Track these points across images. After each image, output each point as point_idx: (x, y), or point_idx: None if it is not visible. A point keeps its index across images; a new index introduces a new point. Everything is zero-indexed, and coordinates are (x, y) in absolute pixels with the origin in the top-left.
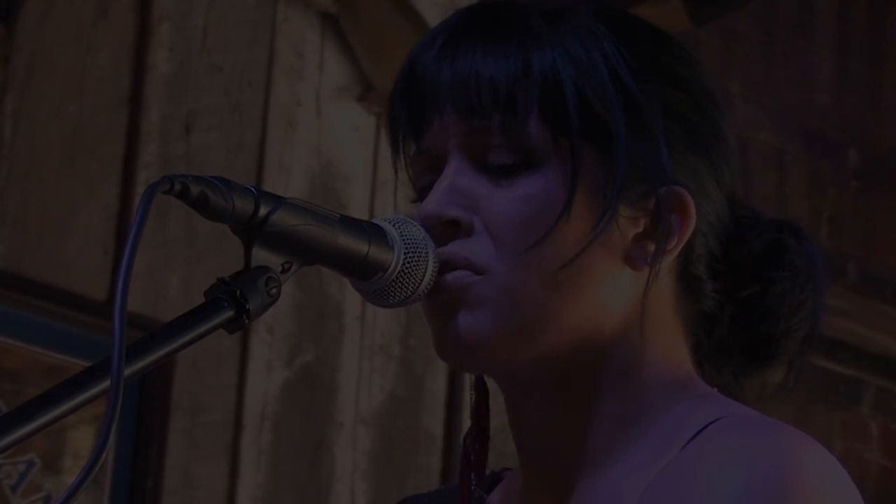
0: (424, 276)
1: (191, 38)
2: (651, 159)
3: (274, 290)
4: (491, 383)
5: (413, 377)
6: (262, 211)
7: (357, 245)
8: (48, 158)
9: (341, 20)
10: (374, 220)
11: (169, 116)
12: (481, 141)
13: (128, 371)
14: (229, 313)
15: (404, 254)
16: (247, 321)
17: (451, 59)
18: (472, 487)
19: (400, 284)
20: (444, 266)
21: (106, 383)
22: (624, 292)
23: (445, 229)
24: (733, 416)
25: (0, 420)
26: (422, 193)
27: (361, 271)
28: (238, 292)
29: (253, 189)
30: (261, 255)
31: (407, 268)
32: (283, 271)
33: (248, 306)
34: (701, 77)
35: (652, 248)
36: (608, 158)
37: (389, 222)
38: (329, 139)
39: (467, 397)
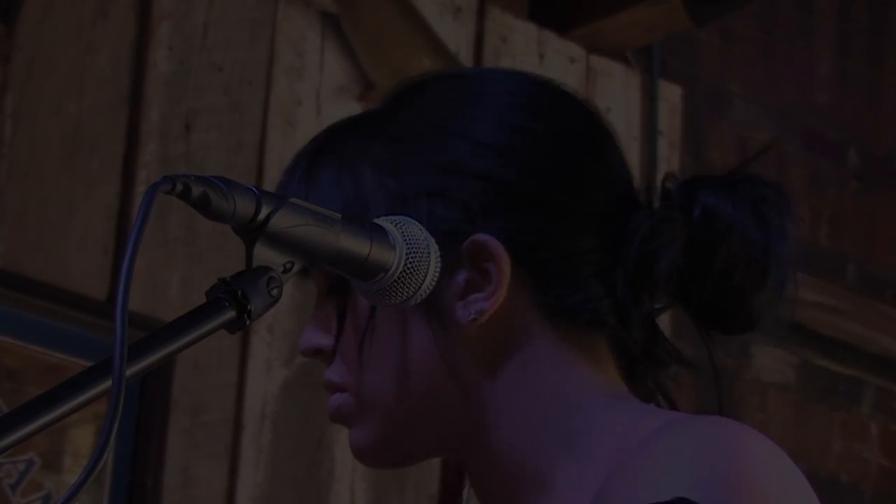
0: (426, 275)
1: (191, 37)
2: (441, 219)
3: (275, 291)
4: None
5: None
6: (264, 211)
7: (359, 245)
8: (48, 158)
9: (342, 19)
10: (376, 220)
11: (169, 116)
12: (315, 273)
13: (129, 371)
14: (231, 313)
15: (406, 254)
16: (248, 321)
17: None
18: None
19: (402, 284)
20: (326, 389)
21: (107, 383)
22: (470, 355)
23: (318, 357)
24: (670, 420)
25: (1, 420)
26: None
27: (363, 271)
28: (239, 292)
29: (254, 189)
30: (262, 255)
31: (409, 268)
32: (285, 271)
33: (249, 306)
34: (516, 122)
35: (473, 299)
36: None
37: (391, 222)
38: None
39: None
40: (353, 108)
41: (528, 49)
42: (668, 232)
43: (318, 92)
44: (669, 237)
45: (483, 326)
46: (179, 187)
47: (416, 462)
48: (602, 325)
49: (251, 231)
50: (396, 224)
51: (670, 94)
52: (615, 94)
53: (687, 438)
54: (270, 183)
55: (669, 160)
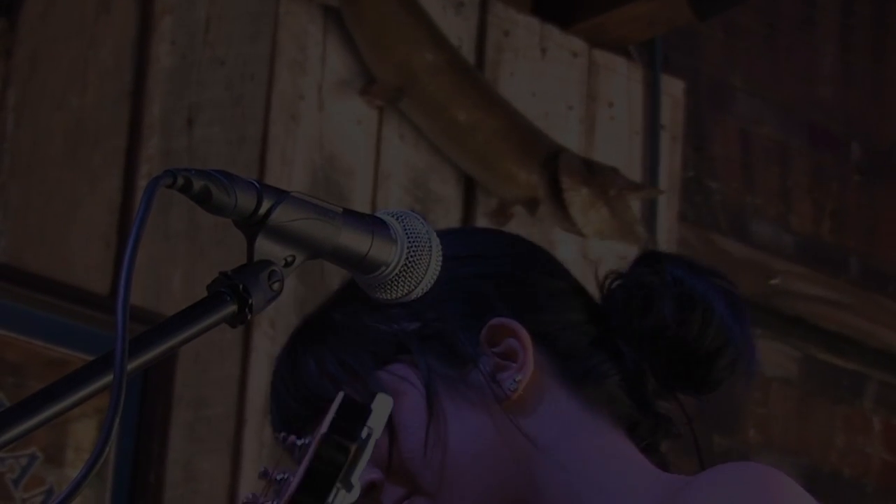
0: (427, 268)
1: (193, 31)
2: (451, 338)
3: (276, 284)
4: None
5: None
6: (265, 205)
7: (360, 239)
8: (50, 152)
9: (343, 13)
10: (377, 214)
11: (171, 110)
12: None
13: (131, 365)
14: (232, 307)
15: (407, 247)
16: (249, 315)
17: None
18: None
19: (403, 278)
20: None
21: (109, 377)
22: (511, 428)
23: (370, 495)
24: (691, 483)
25: (3, 414)
26: None
27: (365, 265)
28: (241, 286)
29: (256, 183)
30: (264, 249)
31: (410, 261)
32: (286, 265)
33: (250, 300)
34: (474, 252)
35: (510, 376)
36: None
37: (392, 216)
38: (331, 132)
39: None
40: (355, 102)
41: (530, 43)
42: (651, 286)
43: (321, 86)
44: (652, 291)
45: (520, 399)
46: (181, 181)
47: None
48: (611, 390)
49: (252, 225)
50: (397, 217)
51: (673, 89)
52: (617, 89)
53: (723, 484)
54: (272, 177)
55: (672, 154)
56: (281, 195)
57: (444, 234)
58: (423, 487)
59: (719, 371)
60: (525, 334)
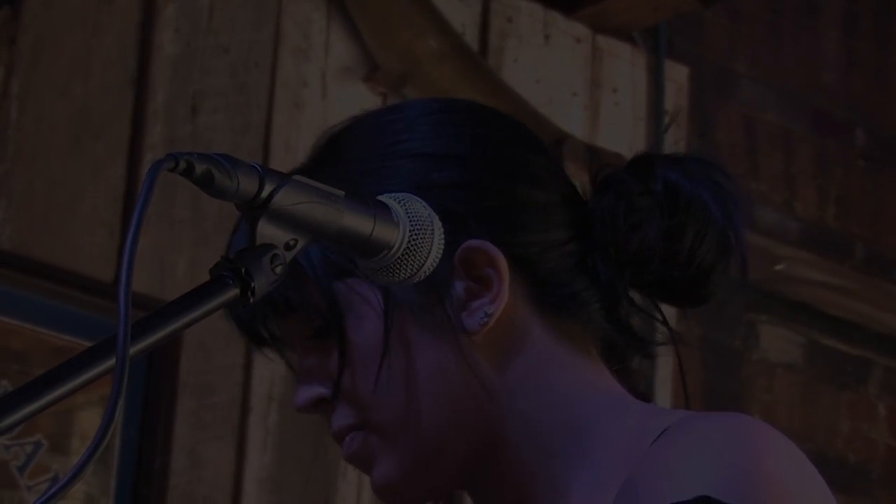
0: (430, 252)
1: (196, 19)
2: (421, 243)
3: (279, 268)
4: None
5: None
6: (267, 188)
7: (362, 222)
8: (54, 140)
9: (347, 1)
10: (379, 198)
11: (175, 97)
12: (289, 329)
13: (133, 349)
14: (234, 291)
15: (409, 231)
16: (252, 299)
17: None
18: None
19: (406, 261)
20: (338, 439)
21: (111, 361)
22: (479, 362)
23: (320, 408)
24: (682, 419)
25: (5, 399)
26: None
27: (367, 248)
28: (243, 270)
29: (258, 166)
30: (266, 233)
31: (412, 245)
32: (288, 249)
33: (252, 284)
34: (460, 125)
35: (476, 306)
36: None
37: (394, 199)
38: (335, 120)
39: None
40: (359, 89)
41: (533, 29)
42: (638, 205)
43: (324, 73)
44: (640, 210)
45: (489, 332)
46: (183, 165)
47: (437, 496)
48: (590, 316)
49: (254, 208)
50: (400, 201)
51: (677, 75)
52: (621, 75)
53: (705, 436)
54: (276, 164)
55: (675, 141)
56: (283, 179)
57: (420, 118)
58: (372, 423)
59: (710, 286)
60: (502, 261)
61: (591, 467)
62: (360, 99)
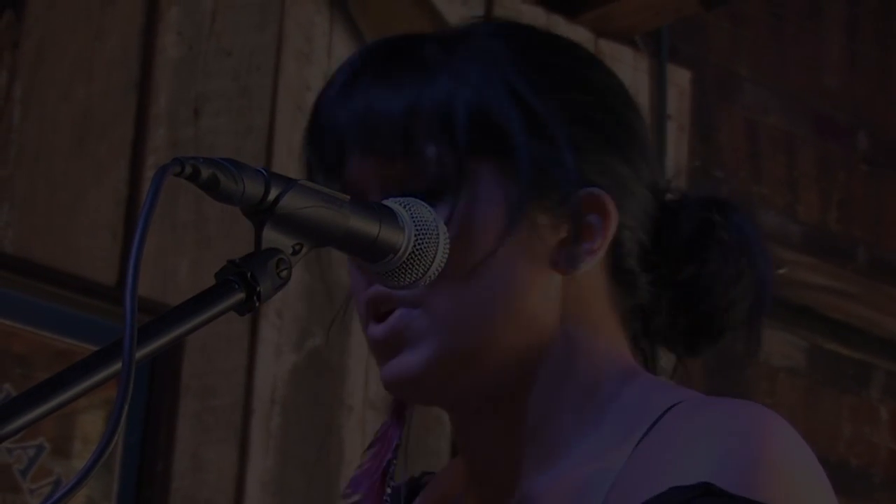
0: (435, 256)
1: (199, 22)
2: (559, 166)
3: (284, 273)
4: None
5: None
6: (273, 193)
7: (367, 227)
8: (57, 143)
9: (350, 3)
10: (384, 202)
11: (178, 100)
12: (391, 175)
13: (139, 353)
14: (240, 295)
15: (415, 234)
16: (257, 303)
17: (346, 99)
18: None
19: (411, 265)
20: (380, 303)
21: (116, 366)
22: (554, 298)
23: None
24: (690, 399)
25: (10, 403)
26: None
27: (372, 253)
28: (249, 274)
29: (263, 171)
30: (271, 238)
31: (418, 248)
32: (294, 253)
33: (258, 288)
34: (608, 77)
35: (577, 250)
36: (514, 172)
37: (399, 203)
38: None
39: None
40: None
41: None
42: (715, 239)
43: (327, 76)
44: (714, 245)
45: (572, 277)
46: (188, 169)
47: (444, 402)
48: (636, 298)
49: (260, 213)
50: (405, 205)
51: (679, 79)
52: (624, 79)
53: (711, 422)
54: (279, 167)
55: (678, 145)
56: (289, 183)
57: (587, 60)
58: (433, 305)
59: (719, 338)
60: (615, 221)
61: (597, 432)
62: None
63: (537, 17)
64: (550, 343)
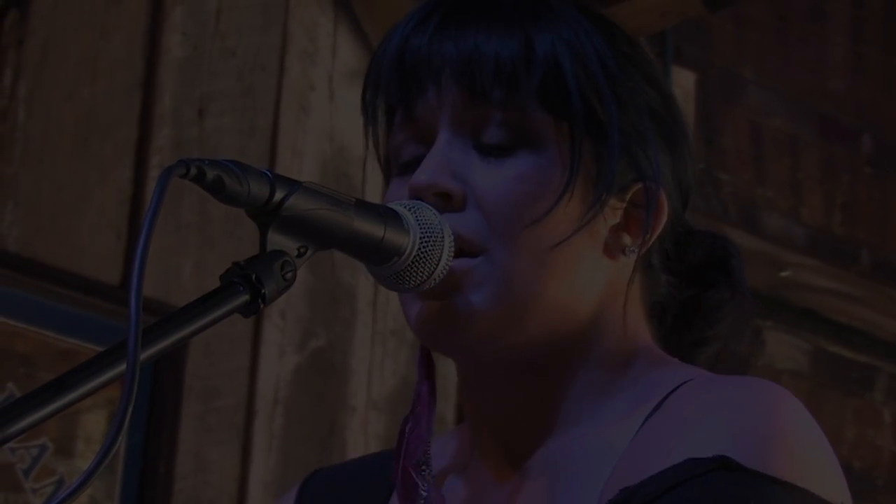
0: (440, 259)
1: (204, 22)
2: (636, 153)
3: (289, 275)
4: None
5: None
6: (278, 195)
7: (372, 229)
8: (61, 142)
9: (354, 4)
10: (389, 204)
11: (182, 100)
12: (478, 117)
13: (143, 355)
14: (245, 297)
15: (420, 238)
16: (262, 305)
17: (453, 34)
18: (416, 461)
19: (416, 268)
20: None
21: (121, 367)
22: (599, 279)
23: (436, 201)
24: (701, 376)
25: (16, 404)
26: (405, 168)
27: (377, 256)
28: (253, 276)
29: (268, 173)
30: (276, 240)
31: (423, 252)
32: (299, 255)
33: (263, 290)
34: (666, 81)
35: (626, 239)
36: (600, 148)
37: (404, 206)
38: (342, 123)
39: None
40: None
41: None
42: (723, 269)
43: (331, 77)
44: (721, 272)
45: (613, 265)
46: (194, 171)
47: (482, 354)
48: (656, 293)
49: (265, 215)
50: (410, 208)
51: (684, 81)
52: None
53: (727, 397)
54: (283, 168)
55: None
56: (294, 185)
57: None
58: (495, 255)
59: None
60: (664, 218)
61: (609, 406)
62: None
63: None
64: (586, 320)
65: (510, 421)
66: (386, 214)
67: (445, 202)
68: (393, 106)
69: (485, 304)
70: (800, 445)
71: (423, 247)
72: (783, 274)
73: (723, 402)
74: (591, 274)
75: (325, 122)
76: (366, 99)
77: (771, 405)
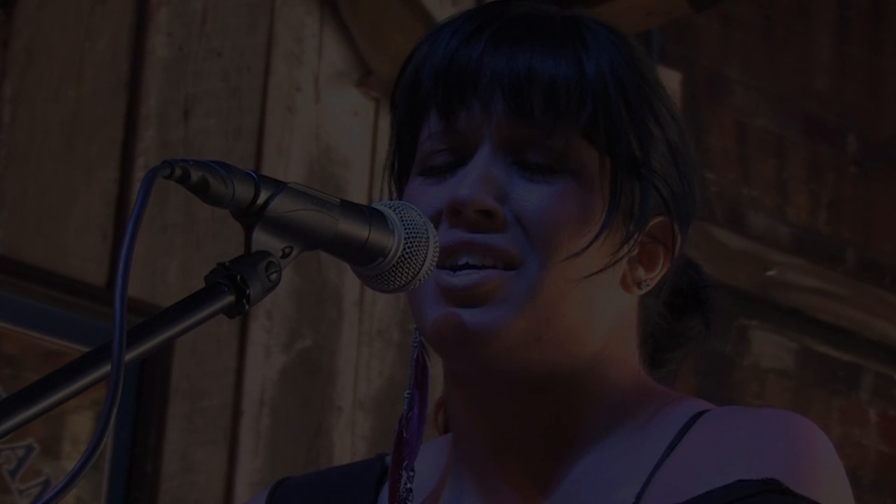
0: (425, 260)
1: (189, 22)
2: (660, 188)
3: (274, 275)
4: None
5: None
6: (263, 196)
7: (357, 230)
8: (47, 143)
9: (340, 5)
10: (374, 205)
11: (167, 101)
12: (522, 136)
13: (128, 356)
14: (230, 298)
15: (405, 238)
16: (247, 306)
17: (506, 53)
18: (403, 469)
19: (401, 269)
20: (463, 251)
21: (106, 368)
22: (612, 309)
23: (477, 217)
24: (719, 408)
25: (1, 405)
26: (431, 171)
27: (362, 256)
28: (238, 277)
29: (253, 174)
30: (261, 240)
31: (408, 252)
32: (284, 256)
33: (248, 291)
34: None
35: (641, 273)
36: (633, 182)
37: (389, 207)
38: (328, 124)
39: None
40: (351, 94)
41: None
42: (696, 297)
43: (317, 78)
44: (693, 300)
45: (624, 297)
46: (178, 172)
47: (500, 369)
48: (650, 323)
49: (250, 216)
50: (395, 209)
51: (669, 80)
52: None
53: (771, 424)
54: (269, 168)
55: None
56: (278, 186)
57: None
58: (529, 271)
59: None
60: (674, 255)
61: (613, 433)
62: (352, 103)
63: None
64: (595, 349)
65: (506, 440)
66: (371, 215)
67: (486, 220)
68: (426, 108)
69: (510, 318)
70: (833, 473)
71: (408, 247)
72: (769, 273)
73: (763, 431)
74: (607, 304)
75: (311, 123)
76: (398, 98)
77: (807, 435)
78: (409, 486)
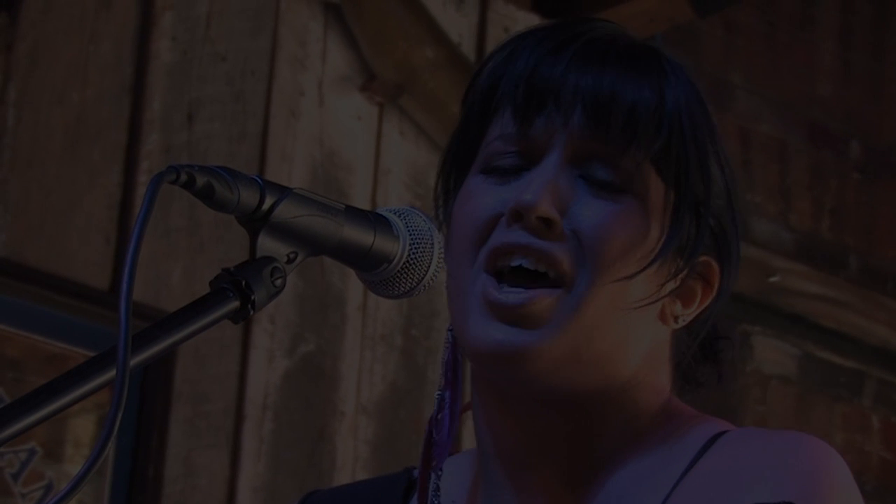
0: (430, 266)
1: (194, 27)
2: (713, 228)
3: (279, 281)
4: None
5: (414, 367)
6: (268, 201)
7: (362, 236)
8: (51, 147)
9: (344, 10)
10: (379, 211)
11: (171, 105)
12: (593, 152)
13: (133, 361)
14: (234, 303)
15: (410, 244)
16: (252, 311)
17: (593, 71)
18: (432, 474)
19: (405, 275)
20: (526, 252)
21: (111, 373)
22: (647, 339)
23: (537, 224)
24: (737, 429)
25: (7, 409)
26: (495, 171)
27: (367, 262)
28: (243, 283)
29: (258, 179)
30: (266, 245)
31: (412, 258)
32: (289, 262)
33: (253, 297)
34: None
35: (679, 308)
36: (690, 218)
37: (394, 213)
38: (331, 129)
39: (469, 387)
40: (355, 98)
41: None
42: (716, 357)
43: (321, 82)
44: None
45: (660, 328)
46: (184, 177)
47: (539, 386)
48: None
49: (255, 221)
50: (400, 215)
51: None
52: None
53: (787, 448)
54: (272, 173)
55: None
56: (283, 191)
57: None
58: (579, 290)
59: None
60: (713, 293)
61: (641, 456)
62: (356, 108)
63: (532, 23)
64: (628, 374)
65: (534, 453)
66: (376, 221)
67: (545, 227)
68: (500, 110)
69: (553, 339)
70: (848, 495)
71: (413, 253)
72: (771, 279)
73: (778, 453)
74: (644, 332)
75: (314, 128)
76: (471, 97)
77: (822, 457)
78: (437, 484)
